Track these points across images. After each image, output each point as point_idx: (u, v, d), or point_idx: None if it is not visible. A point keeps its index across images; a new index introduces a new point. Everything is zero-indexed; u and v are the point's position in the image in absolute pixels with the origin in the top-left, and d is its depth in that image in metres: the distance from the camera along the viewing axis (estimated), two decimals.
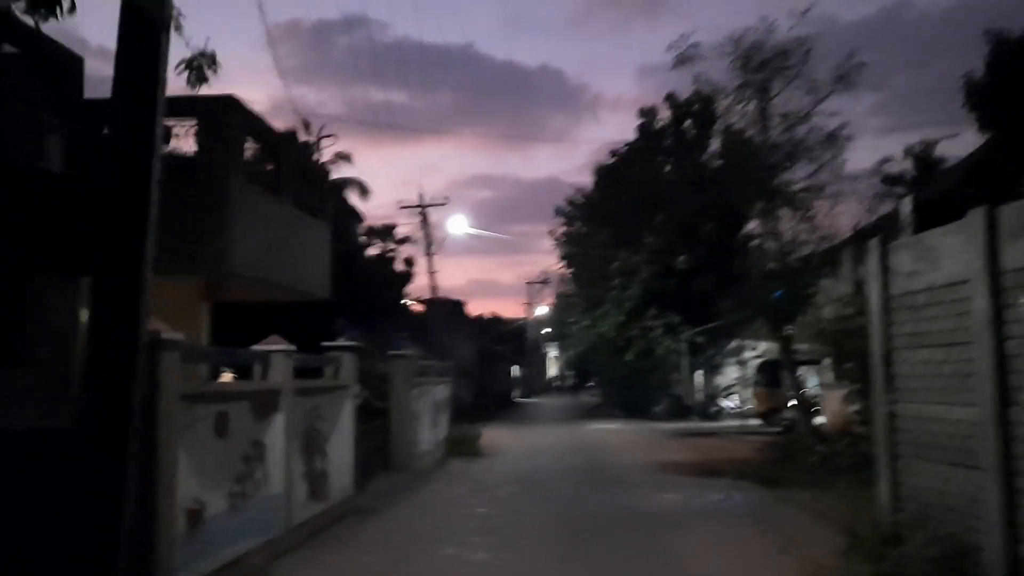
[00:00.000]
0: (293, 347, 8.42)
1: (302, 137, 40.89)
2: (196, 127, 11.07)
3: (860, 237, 19.71)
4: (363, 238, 44.54)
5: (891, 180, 33.63)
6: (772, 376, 26.61)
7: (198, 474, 6.46)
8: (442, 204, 31.66)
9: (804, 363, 25.76)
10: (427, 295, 36.54)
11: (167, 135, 11.22)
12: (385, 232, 44.34)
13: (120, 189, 5.44)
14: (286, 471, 8.19)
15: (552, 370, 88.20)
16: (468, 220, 34.49)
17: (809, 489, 12.10)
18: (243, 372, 10.25)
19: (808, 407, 19.72)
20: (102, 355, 5.29)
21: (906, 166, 36.40)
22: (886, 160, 34.31)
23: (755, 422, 26.35)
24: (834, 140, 16.59)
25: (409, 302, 43.68)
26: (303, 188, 14.46)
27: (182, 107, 11.32)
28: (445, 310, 45.80)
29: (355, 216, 42.85)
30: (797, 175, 17.07)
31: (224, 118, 11.15)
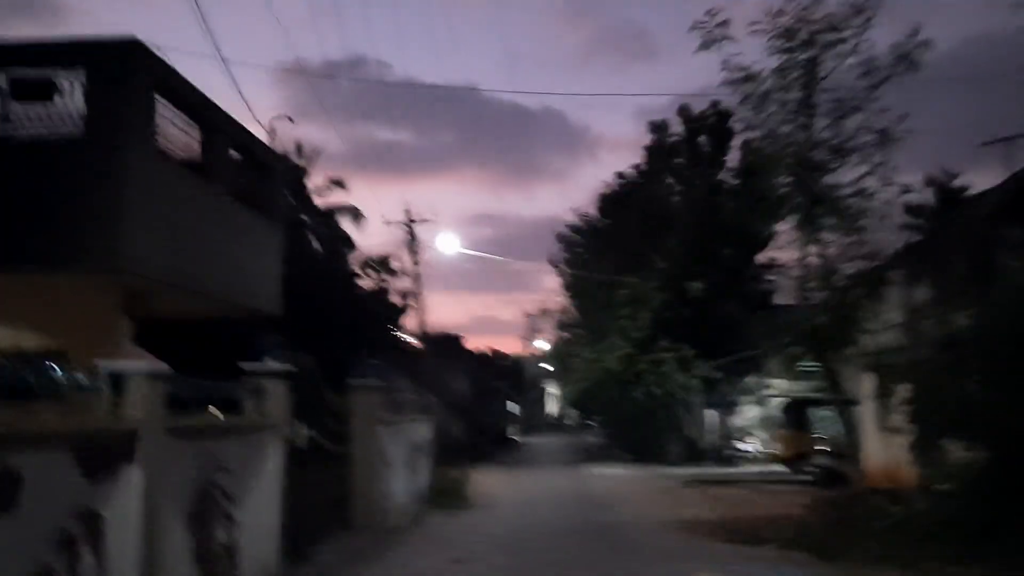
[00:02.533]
0: (163, 365, 5.63)
1: (295, 161, 38.62)
2: (86, 78, 8.40)
3: (910, 256, 17.06)
4: (357, 269, 42.47)
5: (912, 211, 31.13)
6: (799, 417, 23.76)
7: None
8: (429, 220, 28.85)
9: (835, 403, 23.10)
10: (419, 324, 33.72)
11: (50, 89, 8.59)
12: (380, 263, 42.29)
13: None
14: (149, 552, 5.36)
15: (551, 407, 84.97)
16: (459, 240, 31.40)
17: (885, 565, 9.25)
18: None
19: (852, 453, 16.95)
20: None
21: (927, 197, 33.92)
22: (907, 190, 31.86)
23: (778, 468, 23.35)
24: (887, 138, 13.94)
25: (403, 336, 41.18)
26: (247, 177, 11.80)
27: (68, 53, 8.72)
28: (440, 344, 43.12)
29: (348, 243, 40.59)
30: (844, 178, 14.41)
31: (122, 67, 8.47)
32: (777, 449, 24.25)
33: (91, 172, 8.28)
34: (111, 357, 11.34)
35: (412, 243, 27.75)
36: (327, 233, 39.93)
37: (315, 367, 10.58)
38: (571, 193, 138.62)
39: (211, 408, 7.29)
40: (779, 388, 26.79)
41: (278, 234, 12.67)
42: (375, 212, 32.86)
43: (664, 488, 20.00)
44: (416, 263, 28.51)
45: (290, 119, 19.67)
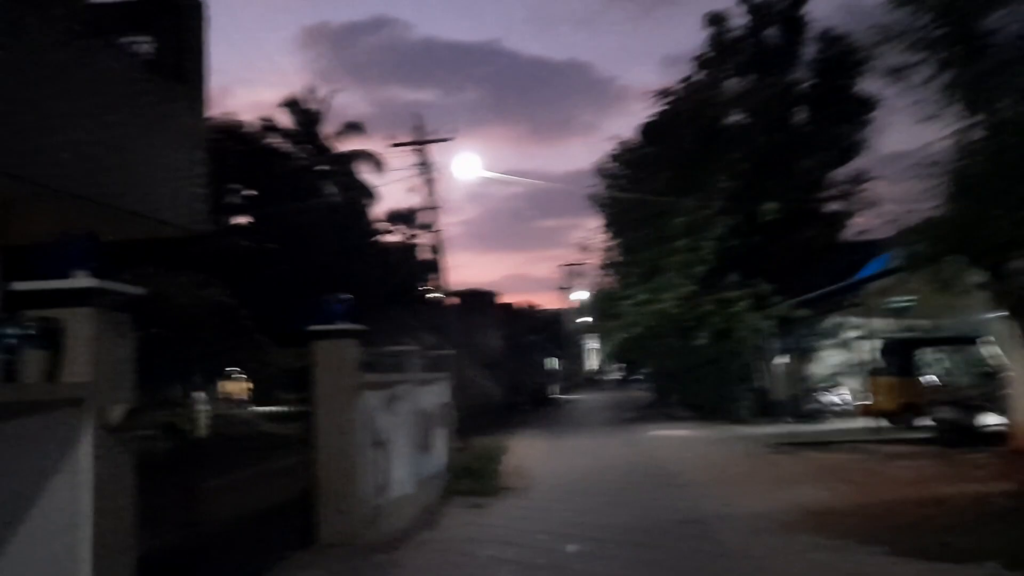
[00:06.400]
0: None
1: (310, 105, 35.20)
2: None
3: None
4: (381, 223, 39.84)
5: None
6: (904, 361, 19.42)
7: None
8: (447, 140, 24.38)
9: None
10: (444, 277, 29.86)
11: None
12: (407, 217, 39.55)
13: None
14: None
15: (592, 362, 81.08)
16: (480, 162, 25.88)
17: None
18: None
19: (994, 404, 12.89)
20: None
21: None
22: None
23: (877, 423, 18.99)
24: None
25: (428, 290, 38.10)
26: (133, 19, 7.71)
27: None
28: (470, 299, 39.56)
29: (367, 192, 37.42)
30: None
31: None
32: (876, 400, 19.85)
33: None
34: None
35: (425, 164, 23.32)
36: (342, 179, 36.48)
37: (236, 302, 6.52)
38: (601, 147, 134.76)
39: None
40: (870, 328, 22.36)
41: (198, 114, 8.56)
42: (399, 173, 28.74)
43: (750, 455, 15.83)
44: (432, 191, 24.19)
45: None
